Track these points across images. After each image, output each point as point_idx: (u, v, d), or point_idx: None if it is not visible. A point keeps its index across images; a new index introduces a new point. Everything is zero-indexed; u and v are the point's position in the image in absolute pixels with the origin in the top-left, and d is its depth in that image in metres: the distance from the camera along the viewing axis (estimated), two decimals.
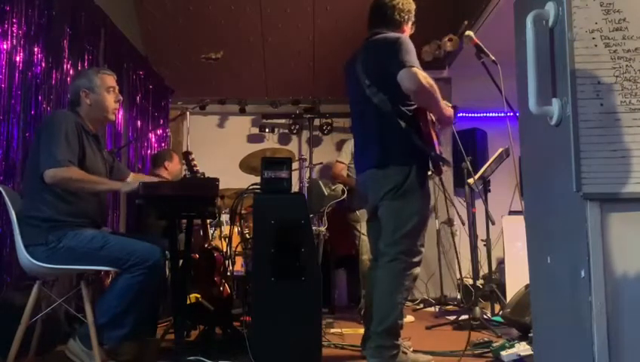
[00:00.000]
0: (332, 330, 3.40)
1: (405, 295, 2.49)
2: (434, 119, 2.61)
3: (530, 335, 2.58)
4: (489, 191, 4.33)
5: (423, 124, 2.49)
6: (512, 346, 2.54)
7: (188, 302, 3.00)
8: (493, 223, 4.10)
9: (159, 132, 5.45)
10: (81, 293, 2.33)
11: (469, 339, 2.52)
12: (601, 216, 1.37)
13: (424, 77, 2.36)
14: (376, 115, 2.50)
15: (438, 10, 2.80)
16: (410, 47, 2.45)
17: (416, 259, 2.48)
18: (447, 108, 2.58)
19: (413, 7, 2.67)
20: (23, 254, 2.30)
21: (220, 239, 4.05)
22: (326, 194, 3.68)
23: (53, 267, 2.30)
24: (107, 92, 2.59)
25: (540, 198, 1.68)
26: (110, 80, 2.62)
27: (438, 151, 2.52)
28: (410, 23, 2.67)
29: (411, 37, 2.73)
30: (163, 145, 5.43)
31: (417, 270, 2.51)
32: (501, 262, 4.93)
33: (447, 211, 5.25)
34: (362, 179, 2.63)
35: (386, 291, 2.45)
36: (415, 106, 2.50)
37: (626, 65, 1.41)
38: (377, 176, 2.51)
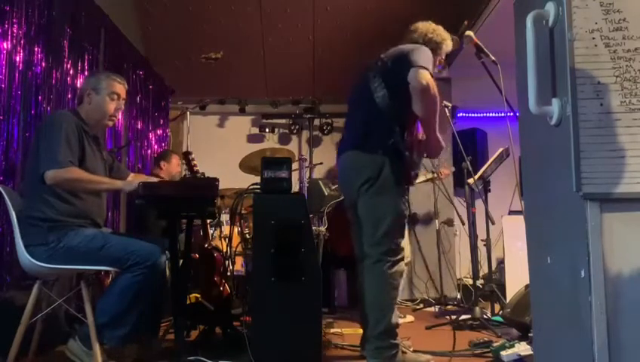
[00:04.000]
0: (332, 330, 3.39)
1: (394, 294, 2.49)
2: (421, 139, 2.60)
3: (530, 335, 2.58)
4: (489, 191, 4.33)
5: (409, 131, 2.49)
6: (512, 346, 2.53)
7: (188, 302, 3.00)
8: (493, 223, 4.10)
9: (159, 132, 5.45)
10: (81, 293, 2.33)
11: (455, 339, 2.51)
12: (601, 216, 1.37)
13: (433, 83, 2.37)
14: (371, 106, 2.50)
15: (438, 10, 2.80)
16: (428, 55, 2.47)
17: (398, 257, 2.49)
18: (439, 138, 2.56)
19: (443, 42, 2.69)
20: (23, 254, 2.30)
21: (220, 239, 4.05)
22: (326, 194, 3.69)
23: (53, 267, 2.31)
24: (110, 97, 2.57)
25: (540, 198, 1.68)
26: (118, 88, 2.60)
27: (412, 163, 2.52)
28: (435, 55, 2.64)
29: None
30: (163, 145, 5.44)
31: (402, 266, 2.53)
32: (501, 262, 4.93)
33: (448, 211, 5.25)
34: (341, 163, 2.63)
35: (375, 294, 2.46)
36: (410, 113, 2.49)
37: (626, 66, 1.41)
38: (355, 159, 2.52)
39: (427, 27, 2.69)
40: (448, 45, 2.73)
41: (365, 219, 2.50)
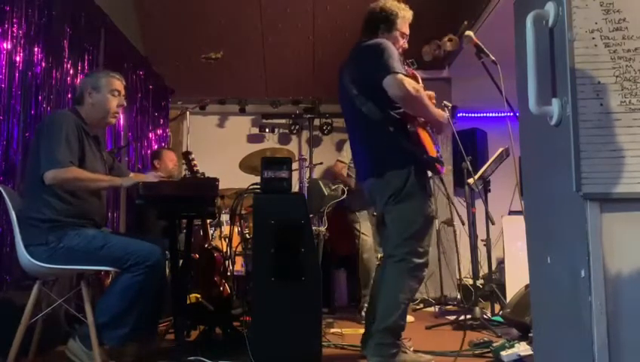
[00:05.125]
0: (332, 330, 3.40)
1: (409, 296, 2.49)
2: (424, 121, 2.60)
3: (530, 335, 2.58)
4: (489, 191, 4.33)
5: (410, 125, 2.49)
6: (512, 346, 2.53)
7: (188, 302, 3.00)
8: (493, 223, 4.10)
9: (159, 132, 5.45)
10: (81, 293, 2.33)
11: (464, 339, 2.52)
12: (601, 216, 1.37)
13: (409, 83, 2.37)
14: (366, 124, 2.52)
15: (438, 10, 2.79)
16: (392, 50, 2.45)
17: (422, 260, 2.48)
18: (440, 112, 2.57)
19: (398, 12, 2.62)
20: (23, 254, 2.30)
21: (220, 239, 4.06)
22: (326, 194, 3.68)
23: (53, 267, 2.31)
24: (111, 94, 2.58)
25: (540, 198, 1.67)
26: (117, 84, 2.62)
27: (430, 152, 2.51)
28: (393, 31, 2.61)
29: (411, 37, 2.73)
30: (163, 145, 5.43)
31: (425, 273, 2.52)
32: (501, 262, 4.92)
33: (448, 211, 5.24)
34: (365, 187, 2.64)
35: (390, 290, 2.46)
36: (403, 110, 2.49)
37: (626, 66, 1.41)
38: (378, 184, 2.52)
39: (377, 7, 2.62)
40: (405, 16, 2.64)
41: (393, 224, 2.50)
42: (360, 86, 2.52)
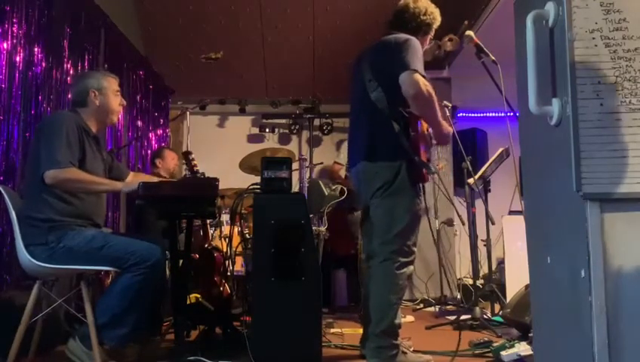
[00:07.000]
0: (332, 330, 3.39)
1: (400, 294, 2.49)
2: (429, 131, 2.60)
3: (530, 335, 2.58)
4: (489, 191, 4.32)
5: (412, 128, 2.48)
6: (512, 346, 2.53)
7: (188, 302, 3.00)
8: (493, 223, 4.10)
9: (159, 132, 5.45)
10: (81, 293, 2.33)
11: (460, 340, 2.51)
12: (601, 216, 1.37)
13: (425, 84, 2.35)
14: (371, 110, 2.50)
15: (438, 10, 2.82)
16: (418, 50, 2.45)
17: (409, 259, 2.48)
18: (446, 126, 2.57)
19: (434, 22, 2.67)
20: (23, 254, 2.30)
21: (220, 239, 4.05)
22: (326, 194, 3.68)
23: (53, 267, 2.31)
24: (114, 95, 2.63)
25: (540, 198, 1.68)
26: (116, 84, 2.68)
27: (424, 159, 2.51)
28: (426, 35, 2.67)
29: None
30: (163, 145, 5.43)
31: (410, 268, 2.51)
32: (501, 262, 4.92)
33: (448, 211, 5.25)
34: (354, 173, 2.63)
35: (380, 292, 2.45)
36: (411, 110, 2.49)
37: (626, 65, 1.41)
38: (368, 169, 2.51)
39: (420, 8, 2.64)
40: (438, 22, 2.70)
41: (379, 220, 2.49)
42: (376, 73, 2.50)
